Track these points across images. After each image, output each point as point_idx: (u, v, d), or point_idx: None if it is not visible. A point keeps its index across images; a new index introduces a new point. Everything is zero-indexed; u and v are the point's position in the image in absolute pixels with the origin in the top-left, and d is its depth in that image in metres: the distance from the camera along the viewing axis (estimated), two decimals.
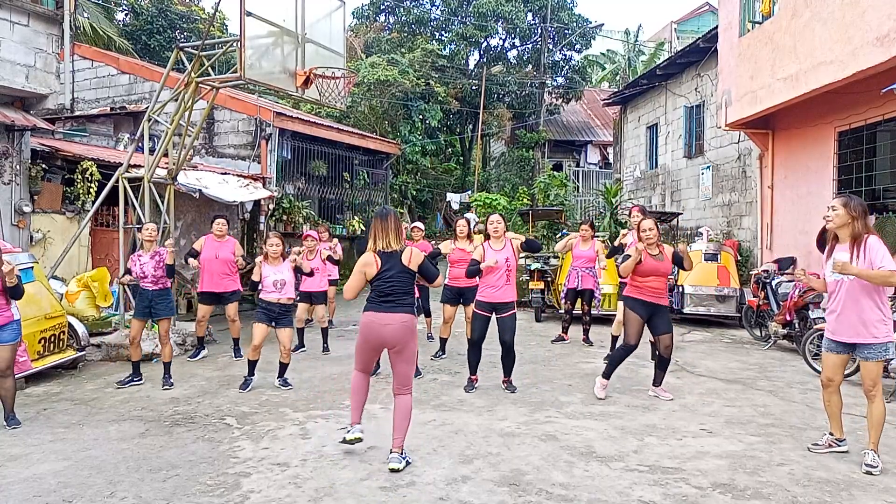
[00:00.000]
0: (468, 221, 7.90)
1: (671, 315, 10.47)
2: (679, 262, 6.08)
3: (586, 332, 8.84)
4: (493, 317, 6.27)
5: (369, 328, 4.47)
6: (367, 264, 4.52)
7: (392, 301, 4.46)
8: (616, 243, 8.10)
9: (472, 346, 6.34)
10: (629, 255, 6.07)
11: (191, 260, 7.81)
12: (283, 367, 6.53)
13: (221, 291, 7.83)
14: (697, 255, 10.49)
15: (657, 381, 6.22)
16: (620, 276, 6.65)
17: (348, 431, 4.59)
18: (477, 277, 6.41)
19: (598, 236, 9.34)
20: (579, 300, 8.94)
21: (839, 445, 4.66)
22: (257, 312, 6.43)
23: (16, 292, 5.35)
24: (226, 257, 7.80)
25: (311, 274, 7.27)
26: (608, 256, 8.27)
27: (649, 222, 6.07)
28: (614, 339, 7.66)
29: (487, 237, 6.41)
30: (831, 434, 4.70)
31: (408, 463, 4.37)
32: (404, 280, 4.52)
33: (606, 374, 6.20)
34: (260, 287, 6.42)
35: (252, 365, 6.46)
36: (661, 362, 6.17)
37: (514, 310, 6.26)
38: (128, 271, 6.92)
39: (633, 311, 6.07)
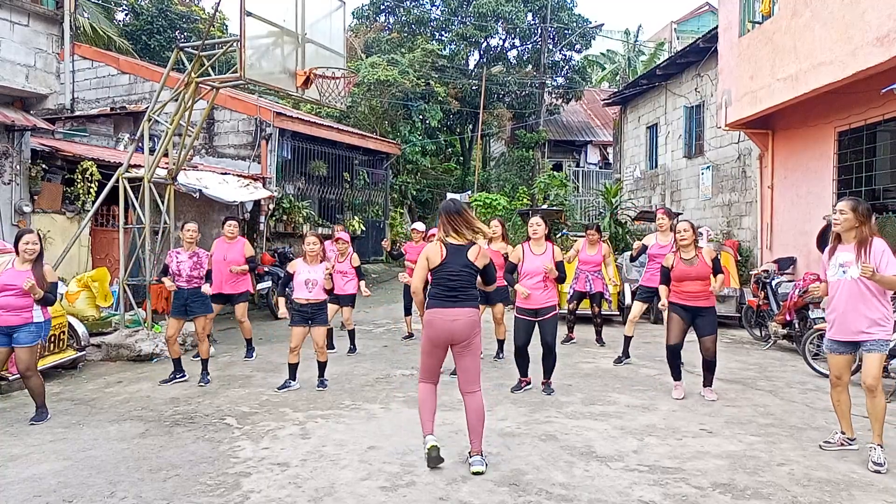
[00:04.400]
0: (501, 223, 7.70)
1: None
2: (718, 267, 6.02)
3: (599, 332, 8.86)
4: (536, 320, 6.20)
5: (436, 324, 4.35)
6: (433, 253, 4.41)
7: (458, 295, 4.38)
8: (635, 251, 7.98)
9: (518, 352, 6.23)
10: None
11: (204, 287, 7.70)
12: (322, 367, 6.51)
13: (230, 293, 7.81)
14: None
15: (705, 382, 6.21)
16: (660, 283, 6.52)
17: (424, 444, 4.37)
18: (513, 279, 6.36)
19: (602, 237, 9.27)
20: (583, 302, 8.97)
21: (850, 444, 4.65)
22: (293, 315, 6.43)
23: (46, 302, 5.47)
24: (234, 259, 7.78)
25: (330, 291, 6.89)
26: (632, 260, 8.30)
27: (685, 224, 6.06)
28: (627, 339, 7.65)
29: (528, 239, 6.34)
30: (843, 433, 4.69)
31: (487, 465, 4.29)
32: (469, 275, 4.42)
33: (675, 377, 6.27)
34: (290, 287, 6.44)
35: (293, 369, 6.44)
36: (705, 364, 6.16)
37: (554, 312, 6.18)
38: (165, 271, 6.89)
39: (674, 313, 6.14)
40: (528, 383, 6.38)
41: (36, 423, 5.35)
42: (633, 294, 8.09)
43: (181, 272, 6.75)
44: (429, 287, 4.53)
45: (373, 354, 8.22)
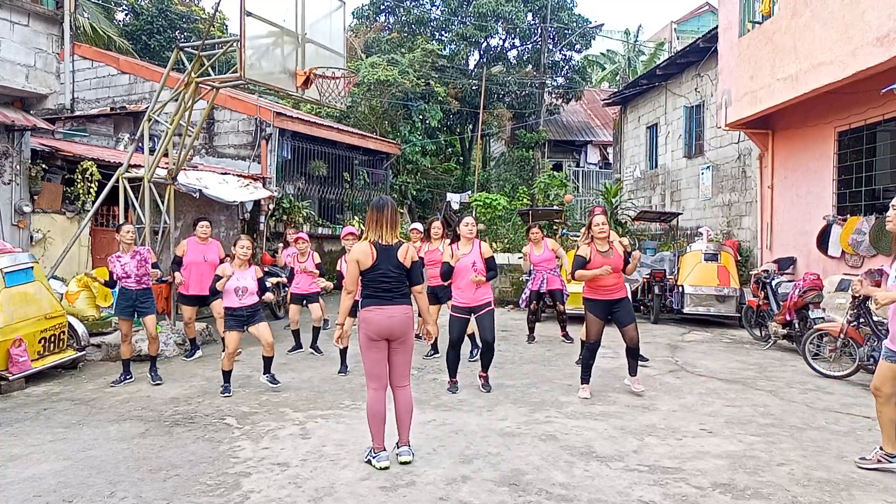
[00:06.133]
0: (442, 224, 7.96)
1: (671, 315, 10.61)
2: (627, 258, 6.12)
3: (563, 328, 8.94)
4: (472, 317, 6.27)
5: (374, 321, 4.35)
6: (363, 254, 4.40)
7: (393, 295, 4.42)
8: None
9: (452, 348, 6.29)
10: (582, 257, 6.05)
11: (177, 274, 7.69)
12: (268, 362, 6.43)
13: (203, 294, 7.73)
14: (697, 255, 10.51)
15: (631, 371, 6.26)
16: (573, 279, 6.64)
17: (375, 458, 4.36)
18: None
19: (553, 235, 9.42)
20: (543, 300, 9.15)
21: (890, 461, 4.30)
22: (227, 320, 6.26)
23: None
24: (213, 260, 7.82)
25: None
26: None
27: (601, 217, 6.14)
28: (583, 343, 7.64)
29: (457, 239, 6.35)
30: (881, 449, 4.37)
31: (413, 455, 4.46)
32: (400, 275, 4.45)
33: (585, 380, 6.24)
34: (218, 290, 6.18)
35: (227, 375, 6.31)
36: (631, 352, 6.21)
37: (490, 307, 6.24)
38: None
39: (591, 313, 6.14)
40: (457, 382, 6.38)
41: None
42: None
43: (129, 274, 6.70)
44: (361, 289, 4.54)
45: None
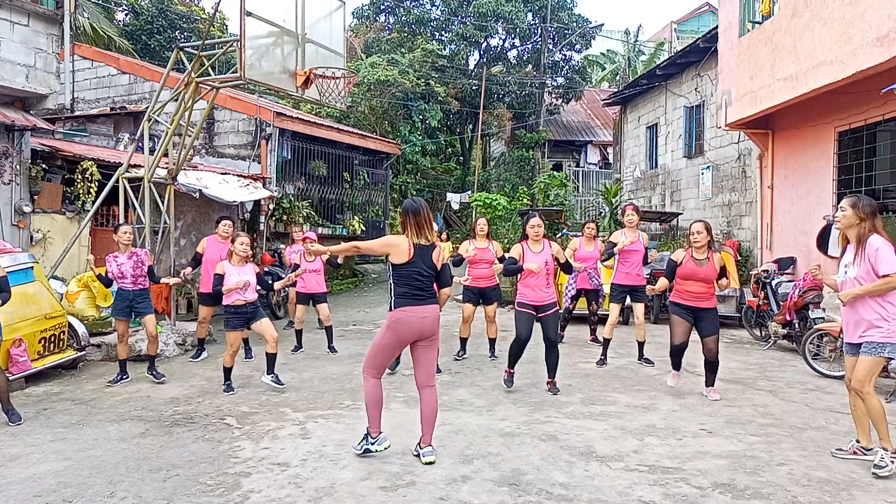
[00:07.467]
0: (487, 221, 7.77)
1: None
2: (724, 273, 6.04)
3: (594, 331, 8.88)
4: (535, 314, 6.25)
5: (407, 322, 4.44)
6: (400, 249, 4.46)
7: (426, 294, 4.53)
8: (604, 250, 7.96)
9: (519, 344, 6.22)
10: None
11: (188, 269, 7.75)
12: (272, 360, 6.41)
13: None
14: None
15: (708, 382, 6.21)
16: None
17: (374, 443, 4.47)
18: (517, 276, 6.40)
19: (599, 236, 9.35)
20: (580, 300, 9.00)
21: (865, 454, 4.44)
22: (230, 320, 6.25)
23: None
24: None
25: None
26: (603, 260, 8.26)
27: (699, 225, 6.00)
28: (607, 341, 7.63)
29: (526, 237, 6.31)
30: (858, 441, 4.52)
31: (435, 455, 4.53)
32: (431, 276, 4.58)
33: (676, 366, 6.32)
34: (219, 289, 6.20)
35: (228, 372, 6.37)
36: (708, 364, 6.16)
37: (556, 308, 6.26)
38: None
39: (676, 315, 6.14)
40: (514, 374, 6.41)
41: (18, 424, 5.32)
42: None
43: (125, 274, 6.71)
44: (392, 286, 4.57)
45: None
